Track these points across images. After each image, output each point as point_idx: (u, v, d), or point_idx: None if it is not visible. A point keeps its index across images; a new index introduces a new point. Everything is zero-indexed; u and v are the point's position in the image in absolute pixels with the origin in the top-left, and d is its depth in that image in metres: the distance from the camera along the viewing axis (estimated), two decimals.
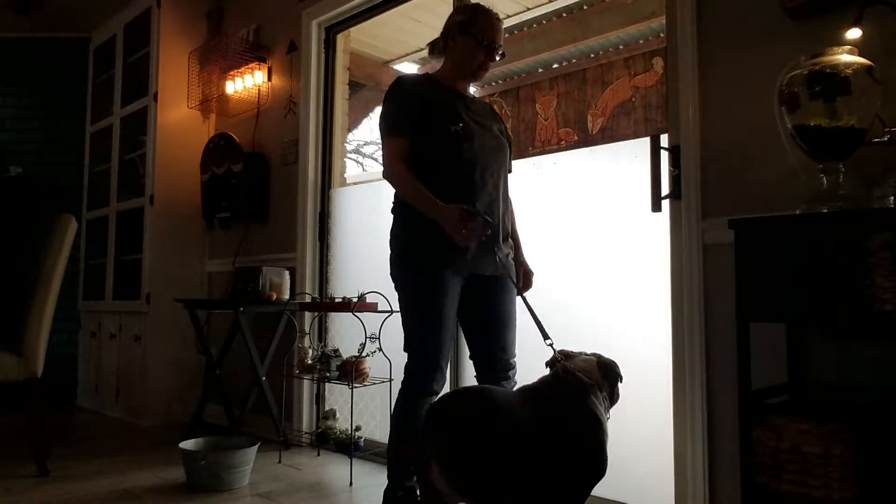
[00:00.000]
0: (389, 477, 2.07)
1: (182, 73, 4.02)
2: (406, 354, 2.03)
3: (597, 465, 1.60)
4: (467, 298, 2.04)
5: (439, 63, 2.18)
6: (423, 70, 5.85)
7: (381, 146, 2.10)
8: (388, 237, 2.10)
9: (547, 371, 1.85)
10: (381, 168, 2.09)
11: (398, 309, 2.71)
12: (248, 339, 3.19)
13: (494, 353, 2.08)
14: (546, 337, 1.83)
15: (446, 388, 2.01)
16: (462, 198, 1.93)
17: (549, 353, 1.80)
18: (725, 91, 1.98)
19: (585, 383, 1.69)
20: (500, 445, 1.48)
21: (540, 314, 2.12)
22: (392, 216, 2.11)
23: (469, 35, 2.05)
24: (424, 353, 1.98)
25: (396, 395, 2.04)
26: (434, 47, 2.18)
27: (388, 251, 2.12)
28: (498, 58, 2.11)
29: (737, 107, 1.95)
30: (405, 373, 2.03)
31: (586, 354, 1.81)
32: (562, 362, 1.74)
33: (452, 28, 2.10)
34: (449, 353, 2.01)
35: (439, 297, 1.96)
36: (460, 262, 1.98)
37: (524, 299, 1.94)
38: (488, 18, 2.06)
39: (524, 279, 2.17)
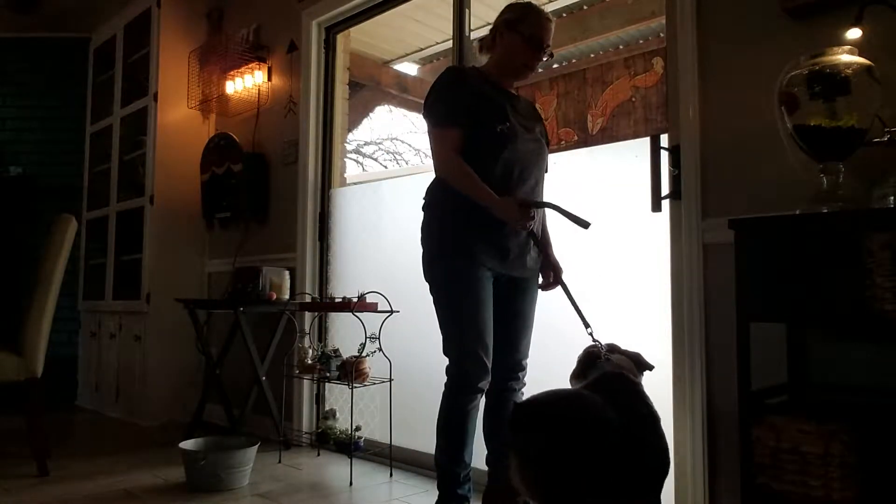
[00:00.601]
0: (440, 487, 2.03)
1: (182, 73, 4.02)
2: (441, 356, 2.02)
3: (667, 465, 1.64)
4: (493, 296, 2.03)
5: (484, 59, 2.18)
6: (425, 69, 5.85)
7: (428, 135, 2.06)
8: (420, 235, 2.09)
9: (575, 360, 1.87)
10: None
11: (398, 309, 2.72)
12: (248, 339, 3.19)
13: (509, 353, 2.09)
14: (587, 325, 1.87)
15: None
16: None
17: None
18: (725, 91, 1.98)
19: (638, 383, 1.70)
20: (600, 450, 1.45)
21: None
22: (424, 213, 2.10)
23: (516, 32, 2.04)
24: (467, 352, 1.96)
25: (440, 399, 2.02)
26: (482, 44, 2.17)
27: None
28: (546, 58, 2.09)
29: (737, 107, 1.95)
30: (448, 374, 2.01)
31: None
32: (605, 359, 1.73)
33: (500, 25, 2.09)
34: (490, 350, 2.00)
35: (478, 295, 1.96)
36: (495, 262, 1.99)
37: (565, 289, 1.98)
38: (539, 17, 2.05)
39: (554, 275, 2.15)
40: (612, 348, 1.84)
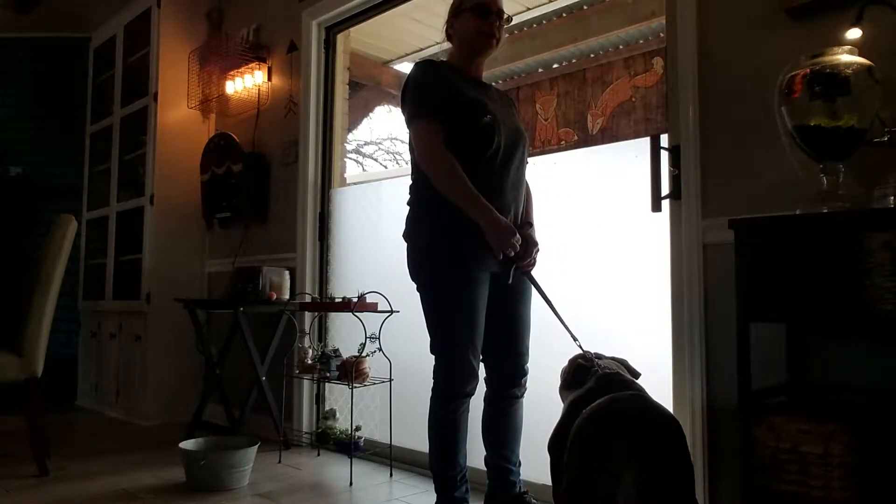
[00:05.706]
0: (437, 492, 2.00)
1: (182, 73, 4.01)
2: (430, 356, 1.99)
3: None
4: (487, 297, 1.97)
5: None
6: None
7: (411, 132, 1.99)
8: (404, 232, 2.04)
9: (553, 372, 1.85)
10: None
11: (398, 309, 2.73)
12: (248, 339, 3.19)
13: (510, 358, 2.04)
14: (575, 338, 1.83)
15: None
16: (489, 191, 1.90)
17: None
18: (725, 91, 1.98)
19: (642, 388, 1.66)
20: (687, 455, 1.43)
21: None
22: (410, 209, 2.05)
23: (462, 11, 2.01)
24: (457, 358, 1.92)
25: (429, 404, 2.00)
26: (448, 47, 2.14)
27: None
28: (504, 23, 2.02)
29: (737, 107, 1.95)
30: (435, 377, 1.97)
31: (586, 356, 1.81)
32: (603, 369, 1.69)
33: (449, 18, 2.07)
34: (480, 353, 1.97)
35: (471, 297, 1.91)
36: (487, 261, 1.93)
37: (542, 293, 1.93)
38: None
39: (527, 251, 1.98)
40: (599, 356, 1.81)
